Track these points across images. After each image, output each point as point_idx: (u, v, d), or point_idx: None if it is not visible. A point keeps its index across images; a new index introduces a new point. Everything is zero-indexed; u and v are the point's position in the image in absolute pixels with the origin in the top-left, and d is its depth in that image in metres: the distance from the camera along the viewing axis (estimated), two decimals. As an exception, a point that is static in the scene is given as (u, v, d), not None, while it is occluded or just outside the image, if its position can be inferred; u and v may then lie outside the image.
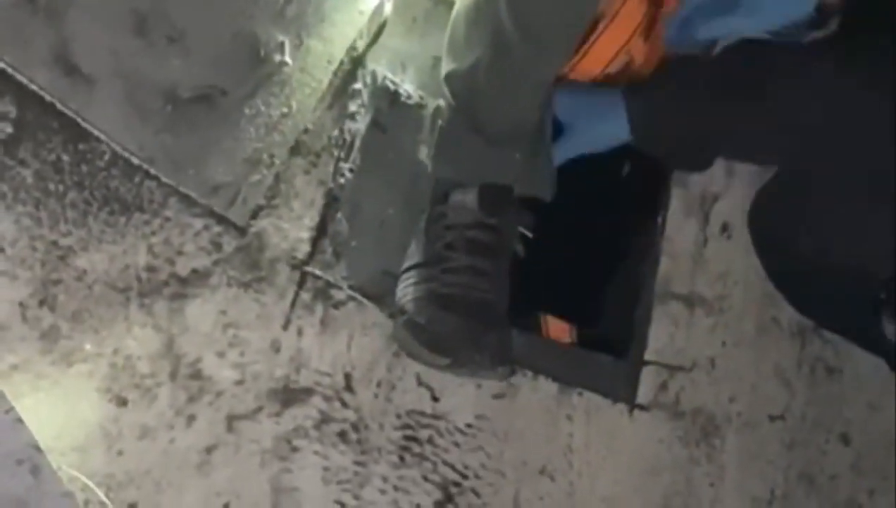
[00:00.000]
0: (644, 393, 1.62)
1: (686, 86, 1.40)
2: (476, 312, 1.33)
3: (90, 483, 1.26)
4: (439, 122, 1.38)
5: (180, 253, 1.34)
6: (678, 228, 1.68)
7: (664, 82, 1.41)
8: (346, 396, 1.43)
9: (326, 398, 1.41)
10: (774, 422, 1.71)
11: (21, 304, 1.26)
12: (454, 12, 1.34)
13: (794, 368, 1.74)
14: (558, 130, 1.42)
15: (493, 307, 1.35)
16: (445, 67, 1.35)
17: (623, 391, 1.61)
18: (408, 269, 1.38)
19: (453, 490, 1.47)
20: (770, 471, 1.70)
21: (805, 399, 1.73)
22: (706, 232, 1.70)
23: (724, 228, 1.70)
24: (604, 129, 1.42)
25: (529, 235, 1.40)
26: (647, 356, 1.62)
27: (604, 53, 1.44)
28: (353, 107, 1.46)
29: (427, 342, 1.32)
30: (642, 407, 1.61)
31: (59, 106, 1.28)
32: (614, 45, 1.44)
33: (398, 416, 1.45)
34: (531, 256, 1.43)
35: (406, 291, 1.36)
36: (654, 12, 1.42)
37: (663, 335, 1.64)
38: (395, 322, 1.38)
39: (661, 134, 1.42)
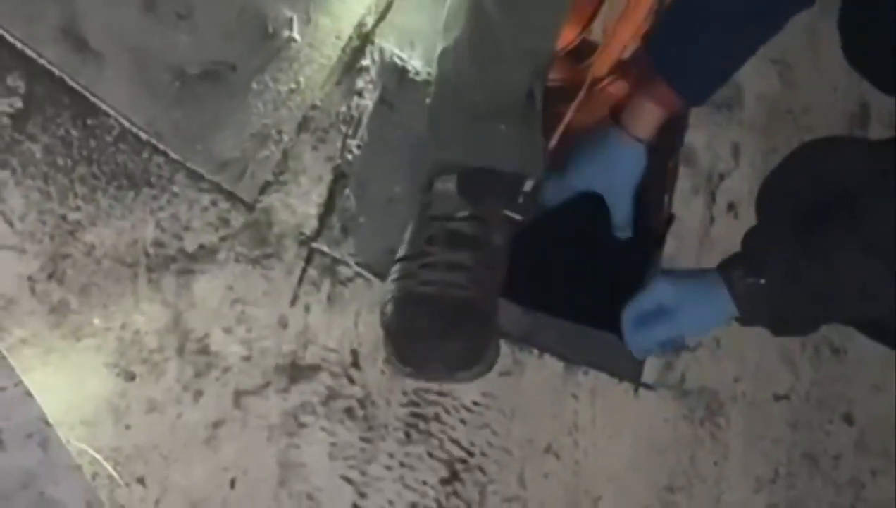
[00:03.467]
0: (649, 372, 1.62)
1: (781, 242, 1.29)
2: (445, 315, 1.32)
3: (98, 457, 1.26)
4: (427, 101, 1.38)
5: (188, 229, 1.36)
6: (685, 206, 1.68)
7: (759, 249, 1.30)
8: (353, 372, 1.43)
9: (333, 375, 1.42)
10: (779, 402, 1.71)
11: (30, 278, 1.27)
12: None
13: (799, 348, 1.74)
14: (657, 314, 1.34)
15: (468, 306, 1.33)
16: (438, 47, 1.36)
17: (629, 370, 1.61)
18: (396, 261, 1.38)
19: (459, 467, 1.48)
20: (774, 451, 1.70)
21: (809, 380, 1.74)
22: (713, 211, 1.71)
23: (731, 207, 1.71)
24: (710, 311, 1.32)
25: (518, 218, 1.40)
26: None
27: (622, 38, 1.46)
28: (360, 83, 1.47)
29: (394, 350, 1.34)
30: (648, 386, 1.62)
31: (68, 81, 1.30)
32: (629, 29, 1.45)
33: (405, 393, 1.46)
34: (535, 234, 1.44)
35: (389, 287, 1.36)
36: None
37: None
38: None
39: (770, 304, 1.30)
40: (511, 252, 1.41)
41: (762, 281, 1.25)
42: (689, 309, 1.30)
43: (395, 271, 1.37)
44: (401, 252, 1.38)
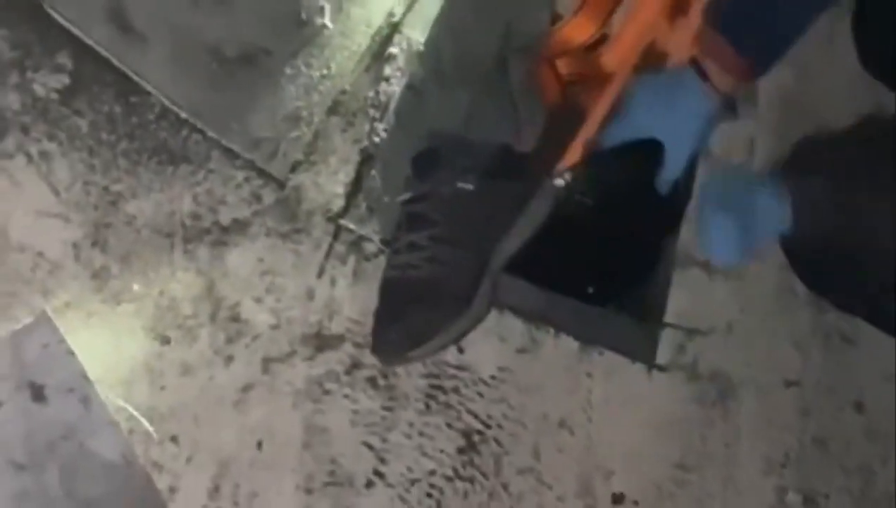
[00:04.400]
0: (663, 354, 1.65)
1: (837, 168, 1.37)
2: (397, 298, 1.37)
3: (136, 414, 1.33)
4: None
5: (223, 203, 1.41)
6: None
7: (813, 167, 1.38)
8: (376, 344, 1.49)
9: (357, 345, 1.47)
10: (790, 388, 1.74)
11: (74, 245, 1.33)
12: None
13: (810, 335, 1.77)
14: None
15: (421, 284, 1.35)
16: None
17: (642, 352, 1.65)
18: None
19: (476, 437, 1.52)
20: (785, 435, 1.73)
21: (820, 366, 1.76)
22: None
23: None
24: (775, 215, 1.33)
25: (470, 187, 1.36)
26: (667, 319, 1.66)
27: (636, 29, 1.47)
28: (388, 70, 1.51)
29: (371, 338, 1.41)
30: (661, 368, 1.65)
31: (113, 61, 1.34)
32: (644, 19, 1.46)
33: (424, 365, 1.51)
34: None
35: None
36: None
37: (683, 299, 1.67)
38: None
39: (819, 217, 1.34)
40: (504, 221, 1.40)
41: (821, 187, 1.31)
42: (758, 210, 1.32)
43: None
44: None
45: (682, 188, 1.43)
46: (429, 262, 1.35)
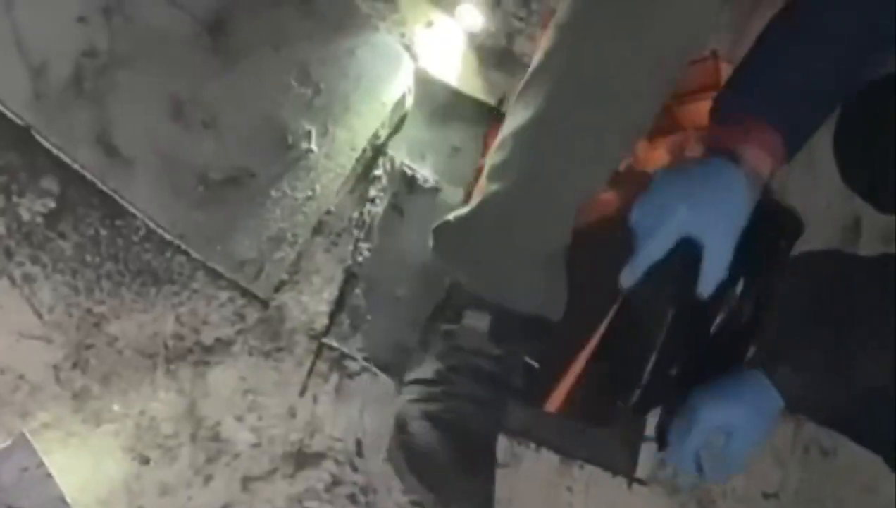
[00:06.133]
0: (643, 467, 1.66)
1: (810, 342, 1.32)
2: (469, 449, 1.28)
3: (112, 537, 1.33)
4: (447, 218, 1.33)
5: (206, 323, 1.42)
6: None
7: (789, 344, 1.32)
8: (357, 461, 1.49)
9: (338, 462, 1.47)
10: (768, 500, 1.75)
11: (55, 366, 1.33)
12: (499, 139, 1.29)
13: (789, 448, 1.78)
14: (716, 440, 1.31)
15: (486, 445, 1.32)
16: (491, 186, 1.28)
17: (623, 465, 1.65)
18: (413, 382, 1.36)
19: (456, 555, 1.53)
20: (764, 547, 1.75)
21: (799, 479, 1.77)
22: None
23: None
24: (765, 418, 1.30)
25: (535, 365, 1.33)
26: (647, 432, 1.64)
27: None
28: (373, 192, 1.53)
29: (412, 463, 1.28)
30: (641, 482, 1.66)
31: (99, 184, 1.35)
32: None
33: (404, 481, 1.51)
34: None
35: (407, 407, 1.32)
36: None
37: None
38: (391, 437, 1.34)
39: (816, 396, 1.32)
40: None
41: (807, 374, 1.28)
42: (744, 426, 1.29)
43: (413, 391, 1.35)
44: (419, 373, 1.36)
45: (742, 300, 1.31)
46: (490, 421, 1.33)
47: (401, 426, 1.31)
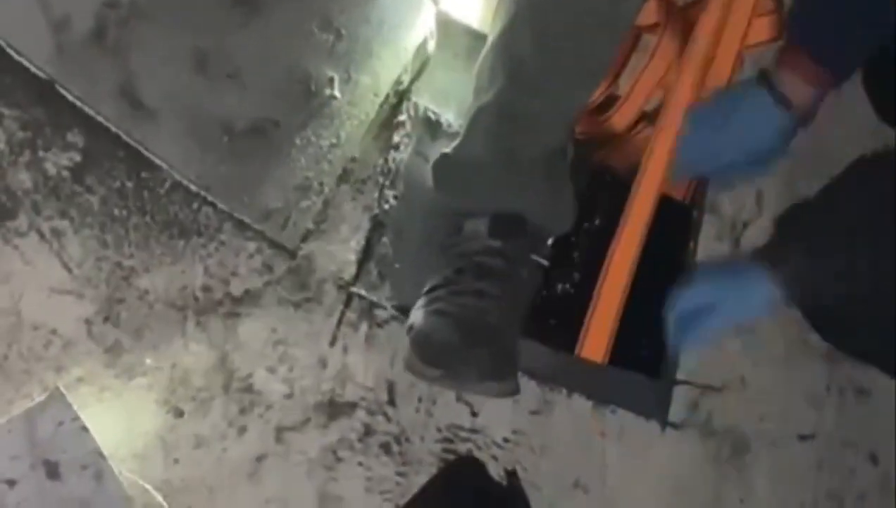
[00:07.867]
0: (676, 412, 1.66)
1: (817, 234, 1.35)
2: (472, 328, 1.26)
3: (149, 488, 1.33)
4: (444, 151, 1.33)
5: (234, 274, 1.42)
6: (709, 253, 1.70)
7: (793, 239, 1.36)
8: (389, 410, 1.49)
9: (370, 412, 1.48)
10: (804, 442, 1.74)
11: (87, 321, 1.34)
12: (481, 55, 1.31)
13: (824, 389, 1.77)
14: (700, 312, 1.36)
15: (493, 327, 1.27)
16: (472, 106, 1.31)
17: (655, 410, 1.65)
18: (423, 295, 1.35)
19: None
20: (799, 490, 1.73)
21: (834, 420, 1.76)
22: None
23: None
24: (755, 301, 1.34)
25: (545, 263, 1.36)
26: (680, 376, 1.66)
27: (645, 88, 1.47)
28: (397, 138, 1.51)
29: (421, 352, 1.26)
30: (674, 426, 1.65)
31: (123, 137, 1.35)
32: (653, 79, 1.47)
33: (438, 430, 1.51)
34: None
35: (415, 314, 1.32)
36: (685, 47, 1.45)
37: (695, 355, 1.66)
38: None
39: (817, 290, 1.33)
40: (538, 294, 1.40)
41: (807, 265, 1.30)
42: (732, 304, 1.35)
43: (421, 302, 1.33)
44: (427, 286, 1.35)
45: None
46: (501, 312, 1.29)
47: (409, 328, 1.30)
